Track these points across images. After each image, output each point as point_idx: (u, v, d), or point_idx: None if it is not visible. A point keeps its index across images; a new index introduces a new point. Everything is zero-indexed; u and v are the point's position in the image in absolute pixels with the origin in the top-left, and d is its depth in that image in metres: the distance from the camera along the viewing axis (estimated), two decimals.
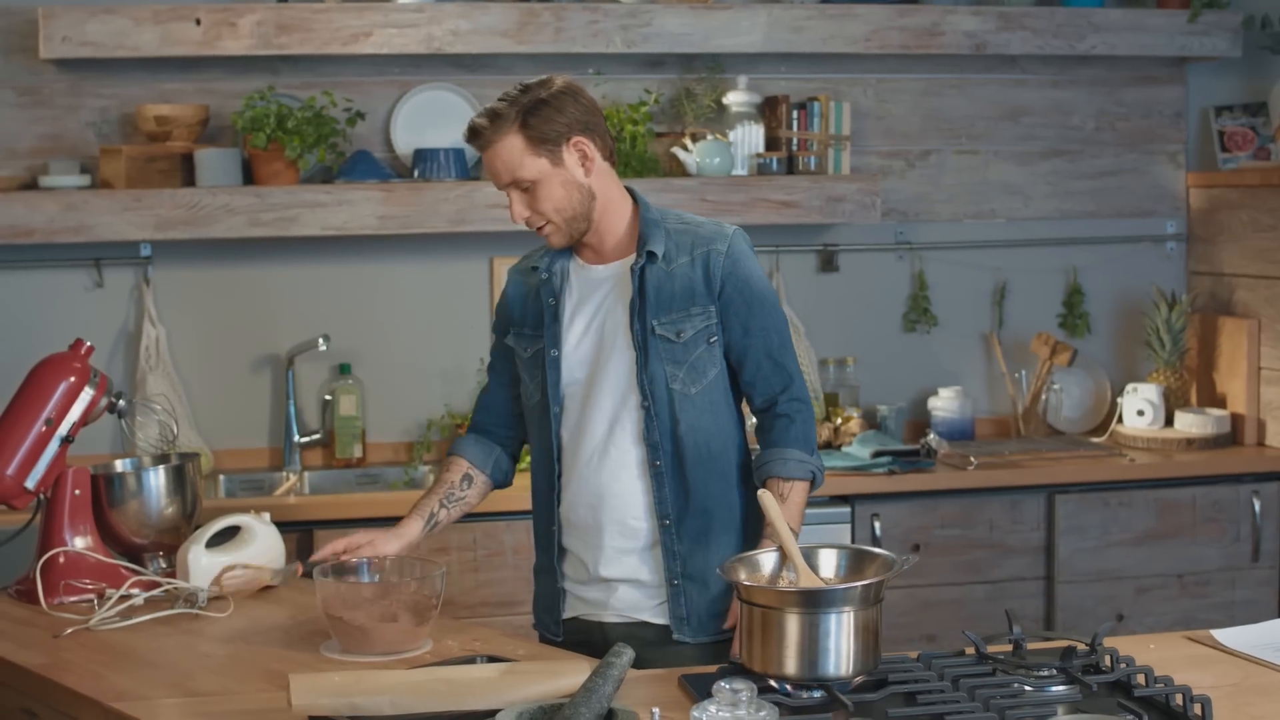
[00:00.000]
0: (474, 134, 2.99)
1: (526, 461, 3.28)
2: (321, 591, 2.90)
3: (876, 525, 4.55)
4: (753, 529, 3.08)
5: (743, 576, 2.57)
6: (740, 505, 3.10)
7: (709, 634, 3.04)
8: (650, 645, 3.00)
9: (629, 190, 3.14)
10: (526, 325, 3.15)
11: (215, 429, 4.82)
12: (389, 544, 3.14)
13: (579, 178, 2.98)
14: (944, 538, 4.64)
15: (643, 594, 3.08)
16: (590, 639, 3.09)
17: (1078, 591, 4.73)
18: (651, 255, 3.03)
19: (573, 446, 3.10)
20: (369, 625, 2.83)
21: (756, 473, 3.07)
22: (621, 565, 3.08)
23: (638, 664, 2.95)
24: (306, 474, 4.78)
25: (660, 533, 3.04)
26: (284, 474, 4.77)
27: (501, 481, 3.35)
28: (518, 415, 3.28)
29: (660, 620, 3.07)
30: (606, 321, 3.08)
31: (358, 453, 4.85)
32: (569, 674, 2.44)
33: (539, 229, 3.02)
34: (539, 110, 2.94)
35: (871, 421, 5.01)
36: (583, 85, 3.06)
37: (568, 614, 3.15)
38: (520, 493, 4.42)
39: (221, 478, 4.73)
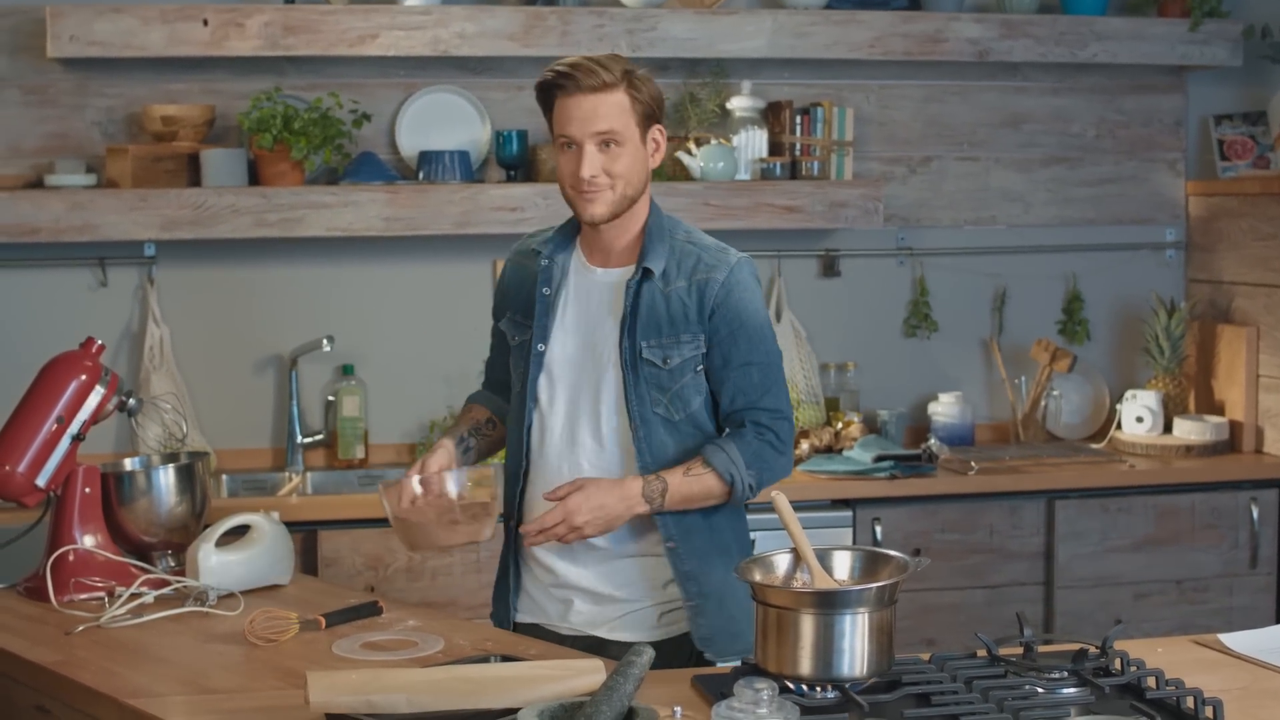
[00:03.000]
0: (575, 74, 2.91)
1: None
2: (386, 499, 2.99)
3: (878, 529, 4.57)
4: (744, 544, 3.13)
5: (758, 577, 2.58)
6: (734, 524, 3.13)
7: (735, 652, 3.00)
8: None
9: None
10: (519, 313, 3.14)
11: (218, 429, 4.82)
12: (434, 460, 3.07)
13: (646, 163, 3.00)
14: (944, 542, 4.65)
15: (595, 606, 3.09)
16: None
17: (1077, 596, 4.75)
18: (648, 272, 3.00)
19: (541, 449, 3.09)
20: (434, 519, 2.92)
21: (706, 448, 3.02)
22: (576, 577, 3.09)
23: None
24: (309, 474, 4.79)
25: (669, 556, 3.03)
26: (286, 474, 4.77)
27: None
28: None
29: (615, 636, 3.06)
30: (597, 331, 3.05)
31: (360, 454, 4.85)
32: (586, 674, 2.45)
33: (595, 191, 2.95)
34: (642, 82, 2.96)
35: (872, 426, 5.03)
36: None
37: (524, 619, 3.17)
38: None
39: (225, 478, 4.73)
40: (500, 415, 3.28)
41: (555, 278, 3.08)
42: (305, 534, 4.30)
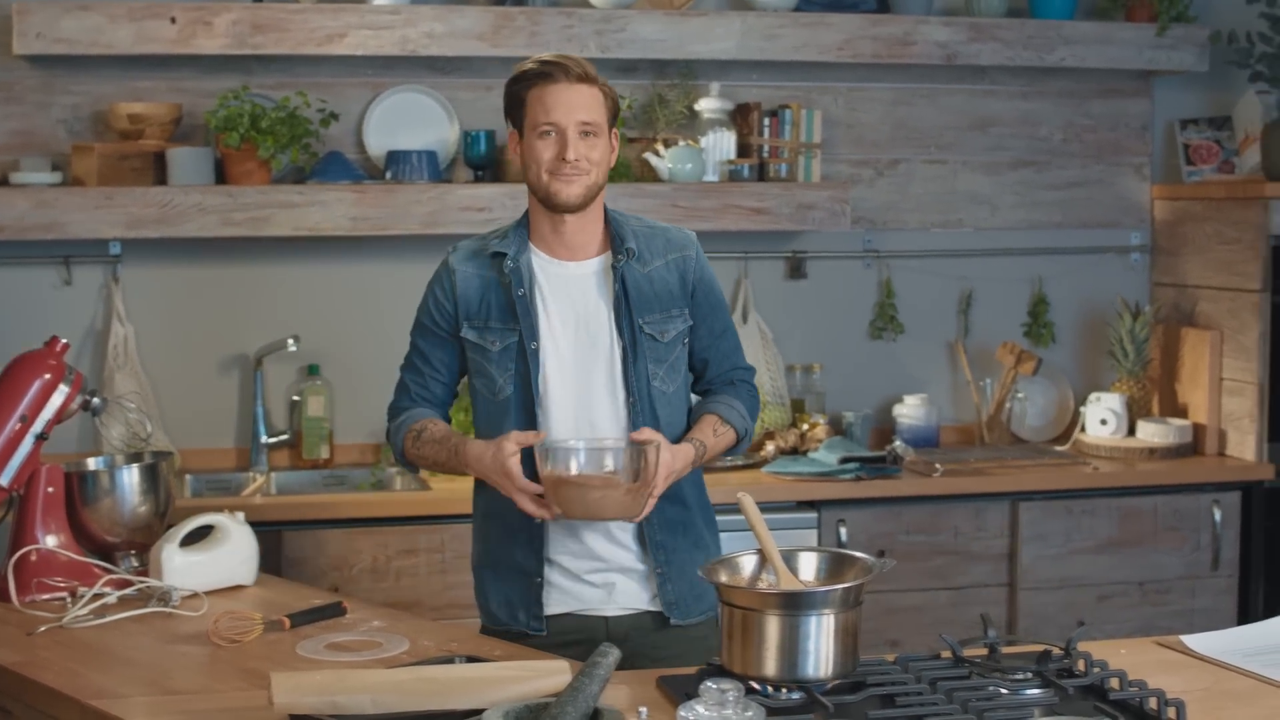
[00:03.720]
0: (563, 63, 3.05)
1: None
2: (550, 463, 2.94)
3: (843, 531, 4.57)
4: (707, 511, 3.27)
5: (723, 578, 2.58)
6: (699, 492, 3.25)
7: (698, 614, 3.16)
8: (651, 632, 3.12)
9: None
10: (491, 318, 3.14)
11: (182, 429, 4.80)
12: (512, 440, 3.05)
13: (609, 158, 3.13)
14: (909, 544, 4.66)
15: (640, 584, 3.15)
16: (591, 635, 3.10)
17: (1040, 598, 4.77)
18: (630, 252, 3.13)
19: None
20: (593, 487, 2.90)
21: (699, 405, 3.24)
22: (619, 558, 3.13)
23: (639, 652, 3.03)
24: (274, 475, 4.77)
25: (645, 527, 3.11)
26: (251, 474, 4.75)
27: None
28: (450, 407, 3.32)
29: (657, 608, 3.14)
30: (587, 318, 3.13)
31: (325, 454, 4.84)
32: (550, 674, 2.45)
33: (576, 174, 3.06)
34: (607, 86, 3.12)
35: (837, 428, 5.04)
36: None
37: (554, 610, 3.15)
38: None
39: (188, 478, 4.71)
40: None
41: (525, 278, 3.12)
42: (270, 534, 4.25)
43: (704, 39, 4.74)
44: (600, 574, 3.14)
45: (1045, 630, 4.71)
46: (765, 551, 2.64)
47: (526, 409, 3.12)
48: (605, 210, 3.19)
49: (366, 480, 4.76)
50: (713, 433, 3.16)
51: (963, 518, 4.71)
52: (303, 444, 4.84)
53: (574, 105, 3.03)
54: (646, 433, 2.99)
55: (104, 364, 4.71)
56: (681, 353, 3.19)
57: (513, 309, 3.12)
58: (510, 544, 3.17)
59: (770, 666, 2.46)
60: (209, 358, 4.85)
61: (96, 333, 4.75)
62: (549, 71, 3.04)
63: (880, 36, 4.87)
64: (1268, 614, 4.56)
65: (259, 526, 4.19)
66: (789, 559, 2.64)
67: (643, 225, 3.22)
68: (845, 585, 2.47)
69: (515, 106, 3.11)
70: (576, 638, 3.11)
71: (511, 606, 3.17)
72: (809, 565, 2.65)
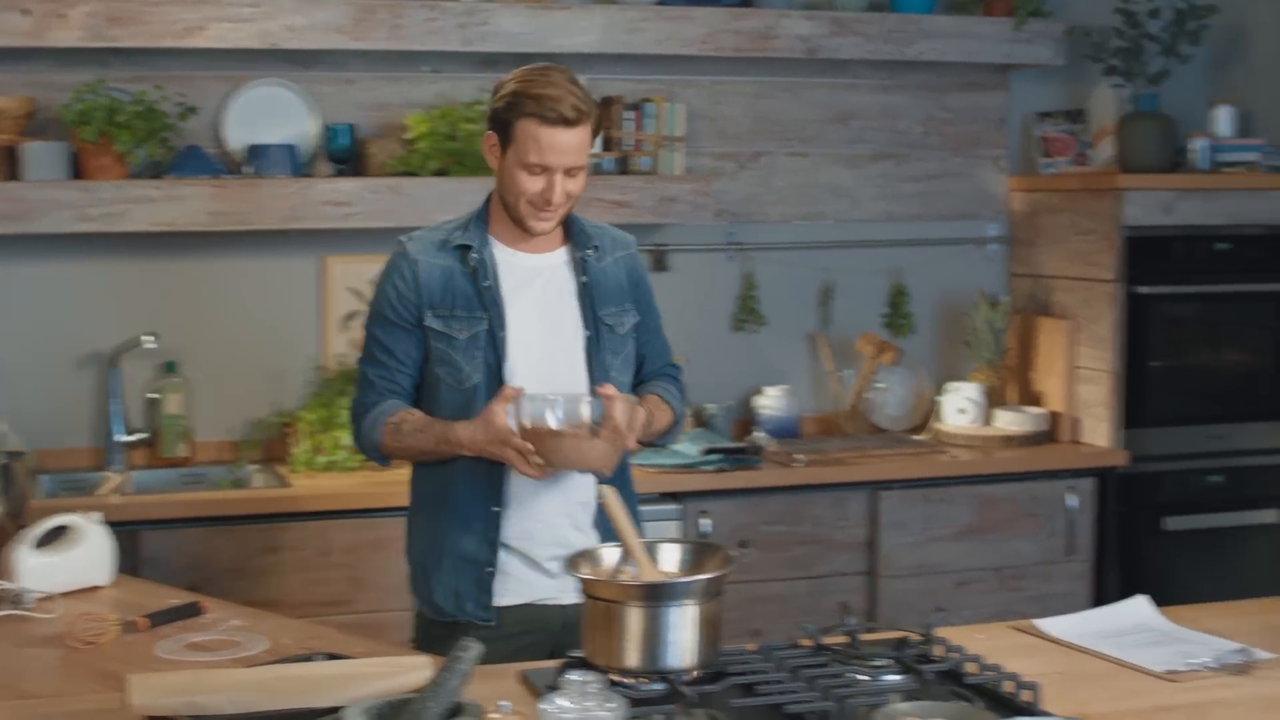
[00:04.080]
0: (564, 113, 3.00)
1: None
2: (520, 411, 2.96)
3: (705, 522, 4.59)
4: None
5: (585, 571, 2.59)
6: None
7: None
8: None
9: None
10: (456, 307, 3.13)
11: (36, 427, 4.67)
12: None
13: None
14: (771, 534, 4.69)
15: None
16: (545, 625, 3.11)
17: (900, 585, 4.82)
18: (596, 249, 3.22)
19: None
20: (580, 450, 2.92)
21: (643, 387, 3.28)
22: (580, 542, 3.08)
23: None
24: (132, 474, 4.69)
25: (597, 512, 3.15)
26: (107, 473, 4.67)
27: None
28: (414, 400, 3.23)
29: None
30: (553, 309, 3.17)
31: (183, 451, 4.77)
32: (411, 670, 2.44)
33: (554, 211, 3.09)
34: (594, 109, 3.09)
35: (700, 420, 5.06)
36: None
37: (506, 600, 3.13)
38: (346, 491, 4.41)
39: (43, 477, 4.62)
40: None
41: (490, 270, 3.15)
42: (127, 534, 4.18)
43: (567, 32, 4.74)
44: (559, 561, 3.05)
45: (905, 617, 4.71)
46: (627, 544, 2.65)
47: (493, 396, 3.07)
48: None
49: (226, 478, 4.71)
50: (655, 407, 3.22)
51: (823, 507, 4.74)
52: (161, 442, 4.77)
53: (567, 150, 3.03)
54: (610, 389, 3.01)
55: None
56: (632, 347, 3.27)
57: (480, 298, 3.13)
58: (461, 533, 3.13)
59: (632, 658, 2.48)
60: (64, 355, 4.75)
61: None
62: (546, 115, 2.99)
63: (743, 30, 4.89)
64: (1121, 598, 4.62)
65: (116, 526, 4.11)
66: (651, 551, 2.65)
67: (590, 223, 3.29)
68: (706, 576, 2.49)
69: (502, 125, 3.07)
70: (528, 628, 3.11)
71: (459, 597, 3.14)
72: (671, 557, 2.66)
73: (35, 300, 4.71)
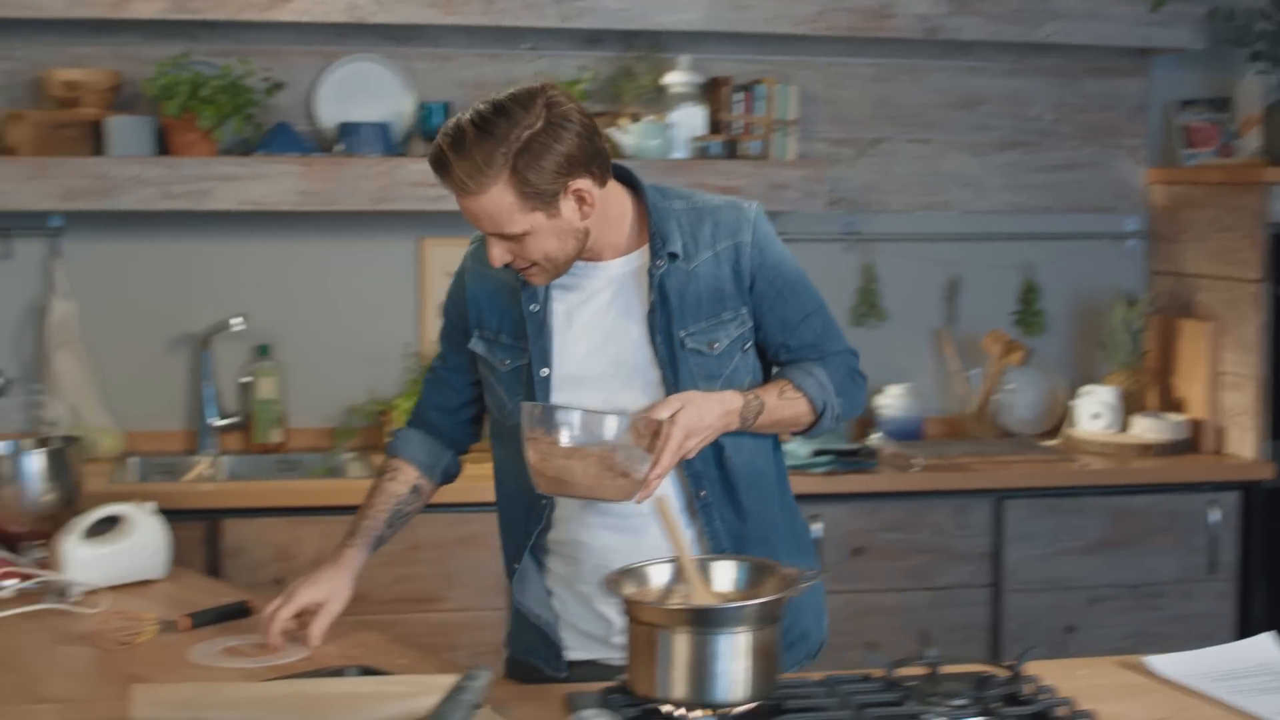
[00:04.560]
0: (445, 177, 2.51)
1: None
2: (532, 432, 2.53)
3: (816, 527, 4.37)
4: (808, 547, 2.85)
5: (630, 590, 2.35)
6: (792, 523, 2.83)
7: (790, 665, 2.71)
8: None
9: (626, 175, 2.70)
10: (503, 332, 2.71)
11: (128, 410, 4.61)
12: (341, 592, 2.74)
13: (575, 224, 2.54)
14: (886, 542, 4.49)
15: None
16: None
17: (1026, 601, 4.59)
18: (673, 256, 2.64)
19: None
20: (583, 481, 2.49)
21: (781, 371, 2.74)
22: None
23: None
24: (223, 459, 4.58)
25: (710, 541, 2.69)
26: (198, 458, 4.57)
27: (446, 482, 2.96)
28: (473, 414, 2.89)
29: None
30: (615, 335, 2.67)
31: (277, 437, 4.66)
32: (435, 691, 2.23)
33: (528, 274, 2.60)
34: (533, 151, 2.44)
35: None
36: (568, 94, 2.55)
37: (576, 654, 2.78)
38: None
39: (133, 460, 4.52)
40: (429, 469, 2.90)
41: (541, 290, 2.67)
42: (210, 522, 4.11)
43: (669, 8, 4.53)
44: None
45: (1031, 634, 4.56)
46: (680, 560, 2.41)
47: None
48: (640, 194, 2.69)
49: (319, 466, 4.59)
50: (778, 394, 2.66)
51: (944, 515, 4.52)
52: (254, 427, 4.65)
53: (476, 218, 2.52)
54: (667, 408, 2.50)
55: (44, 341, 4.51)
56: (742, 361, 2.69)
57: (525, 324, 2.68)
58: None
59: (679, 689, 2.23)
60: (155, 336, 4.66)
61: (37, 310, 4.56)
62: (441, 176, 2.52)
63: (856, 8, 4.65)
64: (1269, 621, 4.39)
65: (202, 514, 4.05)
66: (706, 568, 2.41)
67: (689, 206, 2.69)
68: (760, 601, 2.24)
69: None
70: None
71: (529, 643, 2.82)
72: (726, 576, 2.42)
73: (126, 279, 4.62)
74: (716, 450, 2.65)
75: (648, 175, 4.45)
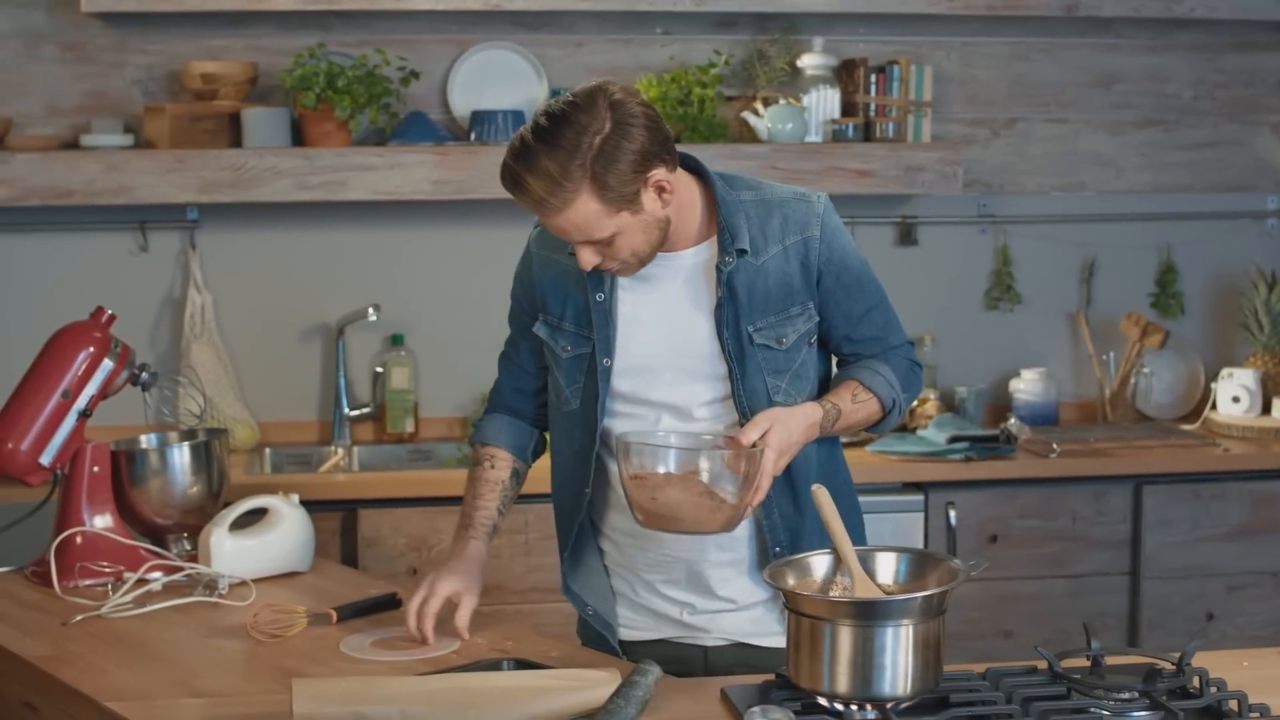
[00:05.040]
0: (522, 193, 2.47)
1: None
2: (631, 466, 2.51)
3: (952, 514, 4.32)
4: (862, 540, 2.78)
5: (791, 581, 2.33)
6: (851, 517, 2.70)
7: None
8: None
9: (693, 163, 2.68)
10: (566, 320, 2.71)
11: (262, 401, 4.64)
12: (476, 584, 2.75)
13: (658, 214, 2.54)
14: (1023, 529, 4.41)
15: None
16: (687, 668, 2.75)
17: (1165, 588, 4.50)
18: (741, 252, 2.62)
19: (609, 477, 2.74)
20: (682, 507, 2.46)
21: (839, 373, 2.75)
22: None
23: None
24: (356, 449, 4.60)
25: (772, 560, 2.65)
26: (332, 448, 4.59)
27: (535, 459, 2.98)
28: (545, 392, 2.89)
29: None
30: (682, 327, 2.66)
31: (409, 427, 4.66)
32: (596, 686, 2.22)
33: (609, 269, 2.60)
34: (607, 155, 2.42)
35: (949, 404, 4.78)
36: (625, 88, 2.52)
37: (632, 635, 2.82)
38: None
39: (268, 451, 4.56)
40: (522, 453, 2.91)
41: (605, 277, 2.66)
42: (347, 512, 4.12)
43: None
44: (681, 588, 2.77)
45: (1171, 622, 4.48)
46: (839, 551, 2.38)
47: (589, 430, 2.71)
48: (708, 182, 2.67)
49: (453, 456, 4.59)
50: (850, 398, 2.66)
51: (1082, 501, 4.44)
52: (386, 417, 4.66)
53: (564, 230, 2.50)
54: (755, 430, 2.49)
55: (181, 334, 4.55)
56: (809, 354, 2.69)
57: (589, 313, 2.68)
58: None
59: (842, 682, 2.21)
60: (289, 327, 4.68)
61: (174, 302, 4.60)
62: (517, 197, 2.49)
63: None
64: None
65: (338, 505, 4.07)
66: (866, 560, 2.38)
67: (758, 198, 2.67)
68: (926, 593, 2.21)
69: None
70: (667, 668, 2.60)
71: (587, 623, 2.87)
72: (887, 567, 2.38)
73: (260, 270, 4.65)
74: None
75: (783, 159, 4.48)
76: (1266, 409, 4.80)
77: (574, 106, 2.44)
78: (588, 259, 2.54)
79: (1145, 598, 4.48)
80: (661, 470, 2.46)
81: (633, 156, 2.44)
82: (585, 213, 2.45)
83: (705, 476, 2.45)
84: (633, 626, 2.81)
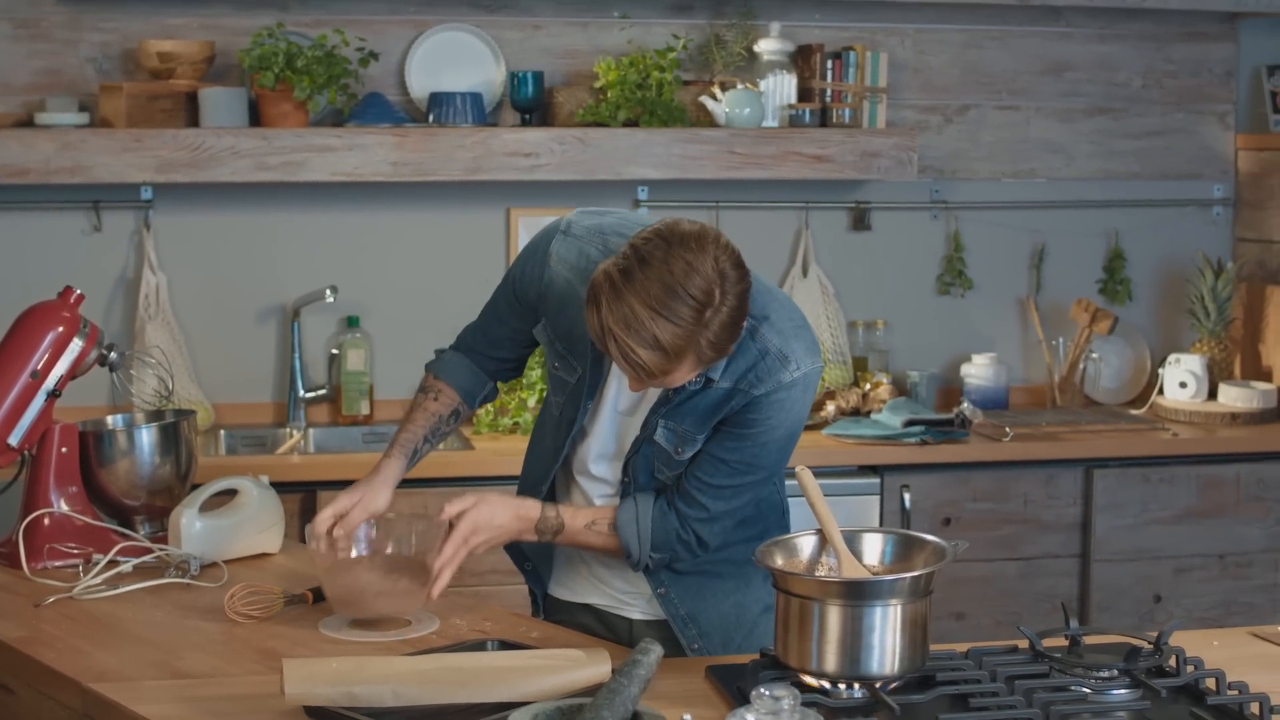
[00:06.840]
0: (625, 358, 2.35)
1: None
2: (320, 563, 2.70)
3: (906, 497, 4.36)
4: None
5: (779, 562, 2.35)
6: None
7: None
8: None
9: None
10: (561, 339, 2.67)
11: (217, 382, 4.60)
12: (378, 497, 2.74)
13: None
14: (976, 512, 4.46)
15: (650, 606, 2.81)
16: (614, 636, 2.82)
17: (1114, 570, 4.55)
18: (709, 381, 2.53)
19: (568, 471, 2.79)
20: (373, 589, 2.65)
21: (609, 505, 2.71)
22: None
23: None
24: (311, 431, 4.58)
25: (661, 603, 2.76)
26: (287, 430, 4.57)
27: (482, 406, 3.06)
28: (515, 365, 2.89)
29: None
30: (638, 403, 2.65)
31: (365, 410, 4.64)
32: (588, 665, 2.24)
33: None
34: (726, 330, 2.36)
35: (902, 388, 4.80)
36: (726, 243, 2.39)
37: (561, 594, 2.90)
38: None
39: (223, 433, 4.53)
40: (470, 397, 2.89)
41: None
42: (306, 494, 4.10)
43: None
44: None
45: (1119, 604, 4.54)
46: (826, 532, 2.40)
47: (558, 442, 2.74)
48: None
49: None
50: (587, 524, 2.65)
51: (1033, 485, 4.49)
52: (342, 399, 4.64)
53: (643, 380, 2.42)
54: (458, 505, 2.60)
55: (135, 315, 4.52)
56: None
57: (592, 346, 2.58)
58: None
59: (830, 661, 2.24)
60: (245, 309, 4.65)
61: (128, 282, 4.56)
62: (609, 352, 2.39)
63: None
64: None
65: (295, 487, 4.05)
66: (852, 541, 2.40)
67: (751, 335, 2.51)
68: (915, 574, 2.24)
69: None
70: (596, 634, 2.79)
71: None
72: (873, 548, 2.41)
73: (216, 251, 4.61)
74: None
75: (740, 144, 4.51)
76: (1213, 394, 4.86)
77: (688, 274, 2.31)
78: (638, 387, 2.48)
79: (1095, 580, 4.54)
80: (355, 547, 2.70)
81: (740, 321, 2.39)
82: (679, 376, 2.40)
83: (390, 550, 2.69)
84: (563, 584, 2.87)
